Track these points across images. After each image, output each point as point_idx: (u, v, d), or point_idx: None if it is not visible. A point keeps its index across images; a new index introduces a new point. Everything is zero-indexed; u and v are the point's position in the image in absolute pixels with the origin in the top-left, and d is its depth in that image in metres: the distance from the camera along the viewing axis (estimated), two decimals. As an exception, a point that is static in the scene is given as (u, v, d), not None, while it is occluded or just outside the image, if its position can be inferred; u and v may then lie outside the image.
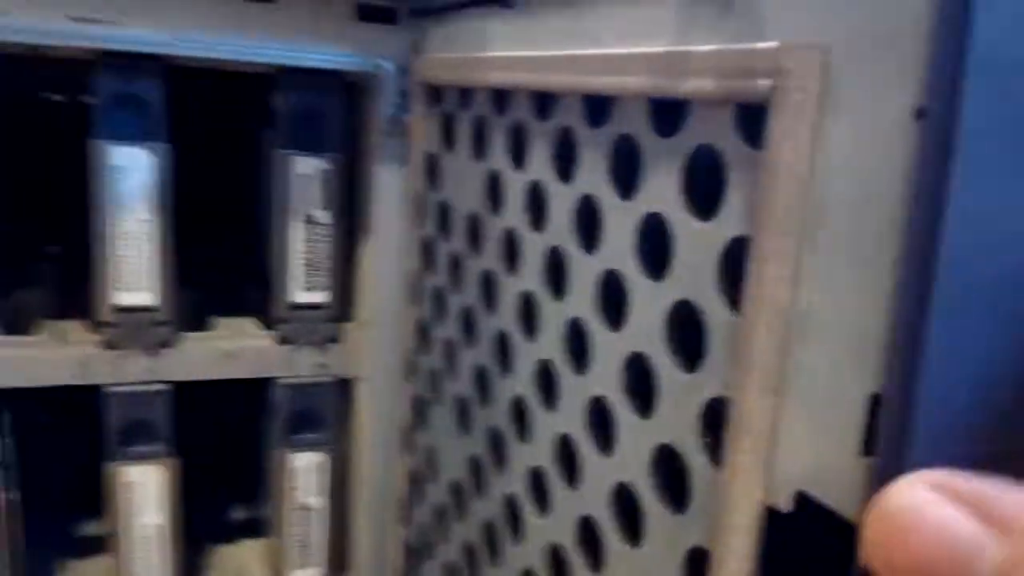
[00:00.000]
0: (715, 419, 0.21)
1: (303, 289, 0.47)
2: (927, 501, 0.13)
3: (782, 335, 0.18)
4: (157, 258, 0.44)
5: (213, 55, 0.42)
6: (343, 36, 0.44)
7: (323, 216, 0.46)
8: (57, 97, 0.64)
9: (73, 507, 0.56)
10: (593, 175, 0.26)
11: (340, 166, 0.46)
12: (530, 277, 0.31)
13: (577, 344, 0.27)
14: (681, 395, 0.22)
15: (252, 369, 0.47)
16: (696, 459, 0.22)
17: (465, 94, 0.37)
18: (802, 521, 0.18)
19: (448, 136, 0.39)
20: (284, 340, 0.47)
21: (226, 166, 0.58)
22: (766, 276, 0.18)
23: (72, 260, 0.61)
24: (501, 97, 0.33)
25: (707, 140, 0.21)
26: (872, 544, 0.14)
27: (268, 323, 0.48)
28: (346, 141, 0.47)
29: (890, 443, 0.15)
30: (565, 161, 0.28)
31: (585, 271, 0.27)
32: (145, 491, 0.46)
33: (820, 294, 0.17)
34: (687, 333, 0.22)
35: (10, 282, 0.49)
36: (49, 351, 0.44)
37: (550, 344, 0.29)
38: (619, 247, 0.25)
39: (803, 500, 0.18)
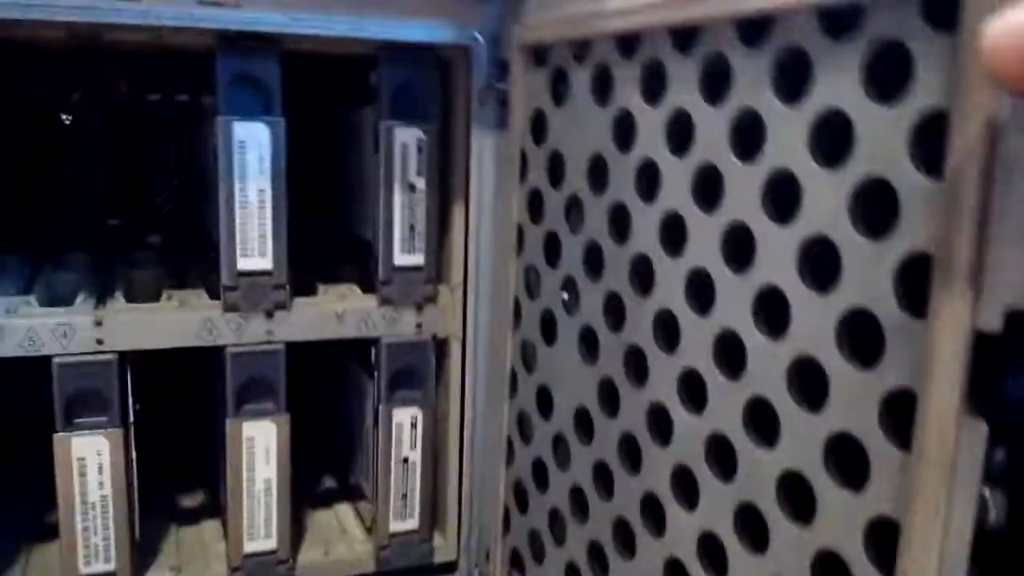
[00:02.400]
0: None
1: (403, 252, 0.49)
2: None
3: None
4: (272, 225, 0.46)
5: (324, 33, 0.45)
6: (440, 11, 0.47)
7: (421, 182, 0.49)
8: (154, 96, 0.66)
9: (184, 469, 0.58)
10: (752, 91, 0.29)
11: (436, 135, 0.48)
12: (673, 199, 0.33)
13: (736, 247, 0.30)
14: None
15: (358, 329, 0.49)
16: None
17: (580, 47, 0.39)
18: (1013, 340, 0.21)
19: (557, 91, 0.42)
20: (385, 301, 0.49)
21: (325, 143, 0.61)
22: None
23: (170, 248, 0.63)
24: (626, 41, 0.36)
25: (888, 33, 0.24)
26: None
27: (369, 286, 0.50)
28: (442, 111, 0.49)
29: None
30: (713, 87, 0.31)
31: (745, 179, 0.29)
32: (262, 446, 0.48)
33: None
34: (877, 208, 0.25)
35: (125, 266, 0.51)
36: (176, 315, 0.46)
37: (704, 253, 0.31)
38: (788, 148, 0.27)
39: (1014, 317, 0.21)
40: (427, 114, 0.48)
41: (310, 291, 0.50)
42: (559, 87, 0.42)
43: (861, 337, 0.26)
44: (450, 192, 0.50)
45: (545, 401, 0.44)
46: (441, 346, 0.51)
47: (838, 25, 0.26)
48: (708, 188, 0.31)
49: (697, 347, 0.32)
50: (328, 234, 0.60)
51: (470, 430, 0.51)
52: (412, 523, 0.51)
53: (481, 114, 0.48)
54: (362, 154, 0.51)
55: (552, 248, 0.43)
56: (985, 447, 0.22)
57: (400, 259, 0.49)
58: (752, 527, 0.30)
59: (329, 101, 0.58)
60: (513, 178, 0.46)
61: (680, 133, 0.33)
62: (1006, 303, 0.21)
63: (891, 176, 0.24)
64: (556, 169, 0.42)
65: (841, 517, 0.26)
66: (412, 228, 0.49)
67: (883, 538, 0.25)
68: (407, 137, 0.48)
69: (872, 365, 0.25)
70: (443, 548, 0.52)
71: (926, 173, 0.23)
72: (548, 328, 0.43)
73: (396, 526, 0.51)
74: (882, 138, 0.24)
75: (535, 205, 0.44)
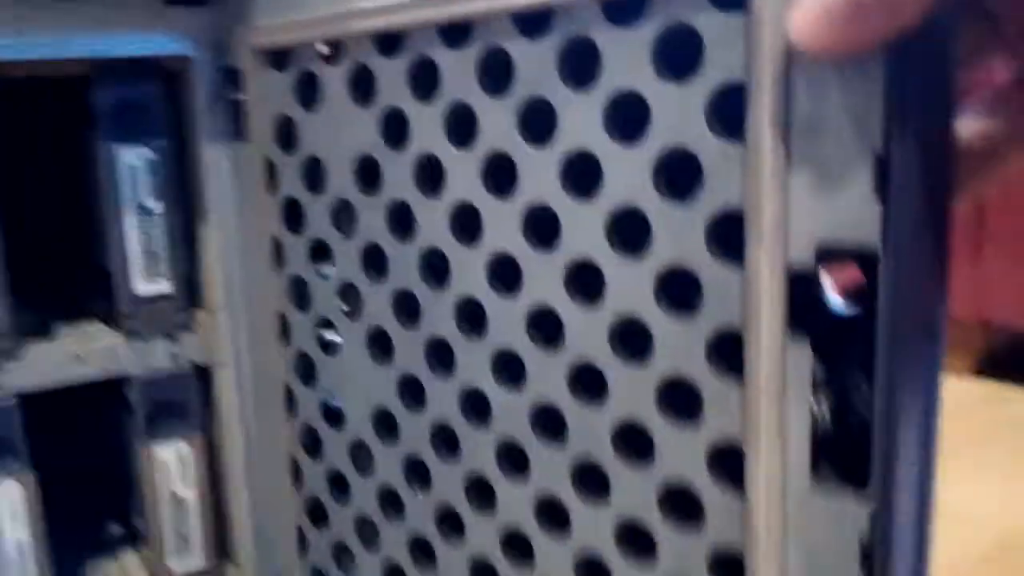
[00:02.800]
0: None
1: (145, 280, 0.45)
2: None
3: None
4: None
5: (21, 57, 0.40)
6: (152, 22, 0.43)
7: (156, 205, 0.45)
8: None
9: None
10: (539, 80, 0.30)
11: (167, 153, 0.45)
12: (462, 190, 0.34)
13: (539, 228, 0.32)
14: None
15: (104, 368, 0.44)
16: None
17: (331, 47, 0.38)
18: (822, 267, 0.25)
19: (306, 95, 0.41)
20: (132, 334, 0.45)
21: (54, 173, 0.53)
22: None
23: None
24: (387, 40, 0.36)
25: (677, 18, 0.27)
26: None
27: (114, 320, 0.45)
28: (173, 127, 0.46)
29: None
30: (495, 79, 0.32)
31: (540, 162, 0.31)
32: (6, 508, 0.42)
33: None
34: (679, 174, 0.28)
35: None
36: None
37: (504, 237, 0.33)
38: (583, 130, 0.29)
39: (824, 252, 0.24)
40: (153, 131, 0.44)
41: (49, 333, 0.45)
42: (308, 91, 0.41)
43: (680, 294, 0.29)
44: (196, 212, 0.47)
45: (333, 411, 0.43)
46: (205, 374, 0.48)
47: (623, 13, 0.28)
48: (501, 176, 0.33)
49: (509, 326, 0.33)
50: (75, 269, 0.53)
51: (248, 456, 0.48)
52: (196, 561, 0.47)
53: (213, 126, 0.45)
54: (96, 180, 0.46)
55: (320, 256, 0.42)
56: (810, 365, 0.25)
57: (143, 288, 0.45)
58: (592, 482, 0.32)
59: (58, 126, 0.51)
60: (260, 190, 0.44)
61: (462, 125, 0.34)
62: (814, 241, 0.25)
63: (692, 146, 0.27)
64: (315, 175, 0.41)
65: (683, 451, 0.29)
66: (153, 254, 0.45)
67: (728, 464, 0.28)
68: (133, 158, 0.44)
69: (693, 313, 0.28)
70: (236, 583, 0.49)
71: (727, 139, 0.26)
72: (324, 335, 0.42)
73: (178, 567, 0.47)
74: (679, 113, 0.27)
75: (293, 215, 0.43)
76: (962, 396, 1.06)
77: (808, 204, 0.24)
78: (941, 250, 0.25)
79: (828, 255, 0.25)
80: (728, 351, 0.28)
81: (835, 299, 0.27)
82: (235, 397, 0.47)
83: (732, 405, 0.27)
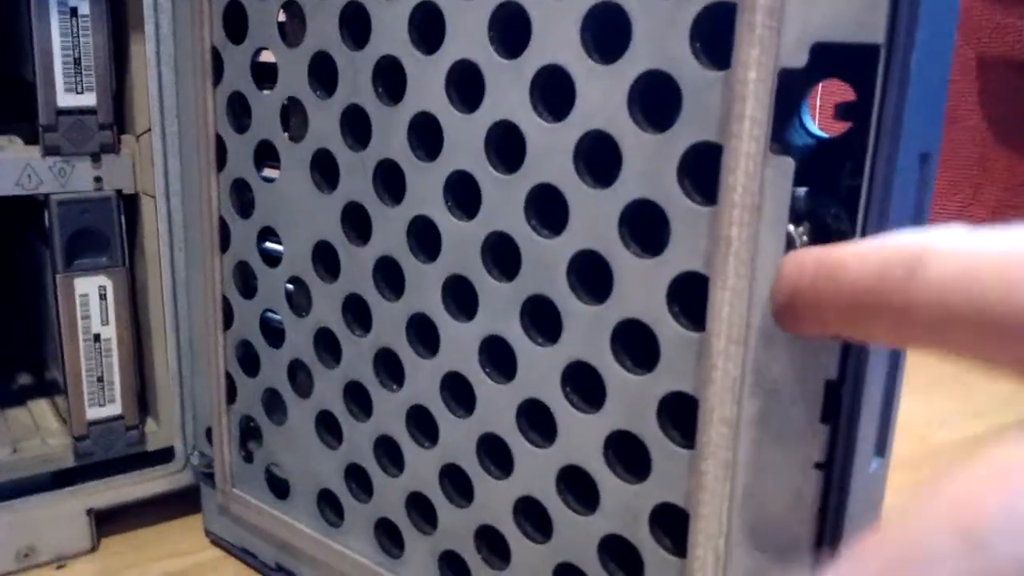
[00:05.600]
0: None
1: (68, 91, 0.43)
2: None
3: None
4: None
5: None
6: None
7: (83, 5, 0.42)
8: None
9: None
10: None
11: (97, -56, 0.42)
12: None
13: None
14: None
15: (19, 184, 0.42)
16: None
17: None
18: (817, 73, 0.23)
19: None
20: (51, 151, 0.43)
21: None
22: None
23: None
24: None
25: None
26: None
27: (34, 137, 0.43)
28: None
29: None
30: None
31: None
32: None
33: None
34: None
35: None
36: None
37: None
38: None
39: (819, 49, 0.23)
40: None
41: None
42: None
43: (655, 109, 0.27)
44: (125, 19, 0.44)
45: (269, 252, 0.41)
46: (129, 203, 0.45)
47: None
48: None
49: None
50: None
51: (175, 297, 0.46)
52: (114, 408, 0.46)
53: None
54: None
55: (264, 74, 0.39)
56: (790, 183, 0.24)
57: (65, 100, 0.42)
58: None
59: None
60: (201, -3, 0.41)
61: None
62: (810, 38, 0.23)
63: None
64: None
65: (642, 284, 0.27)
66: (77, 62, 0.42)
67: (690, 303, 0.27)
68: (58, -53, 0.41)
69: (666, 128, 0.26)
70: (157, 433, 0.48)
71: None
72: (264, 161, 0.40)
73: (94, 413, 0.45)
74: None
75: (235, 22, 0.40)
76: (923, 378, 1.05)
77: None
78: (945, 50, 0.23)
79: (823, 54, 0.23)
80: (700, 174, 0.26)
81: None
82: (163, 229, 0.45)
83: (701, 231, 0.26)
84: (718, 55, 0.25)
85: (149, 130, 0.44)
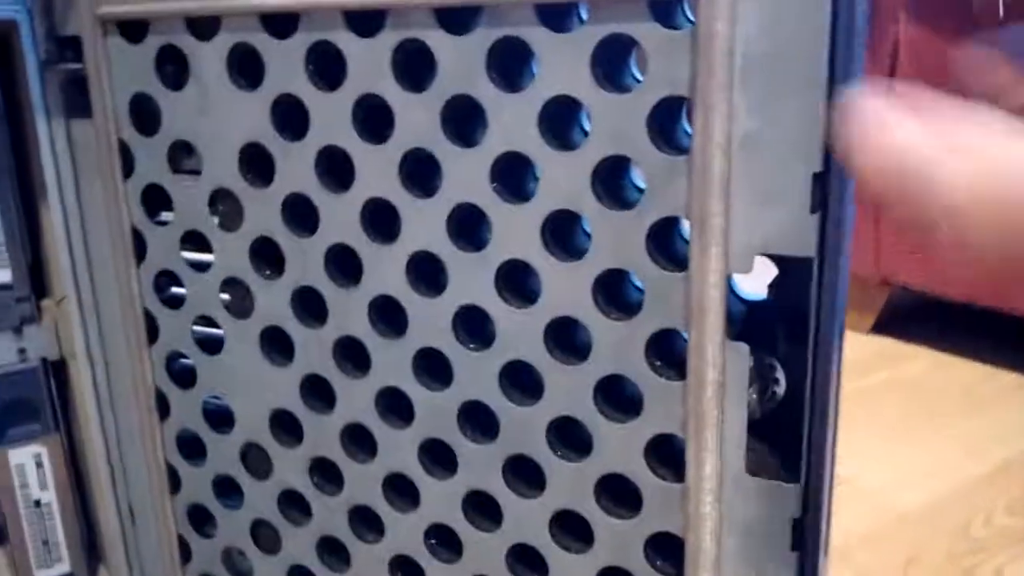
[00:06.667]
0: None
1: (-19, 274, 0.43)
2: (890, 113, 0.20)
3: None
4: None
5: None
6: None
7: (-14, 199, 0.42)
8: None
9: None
10: (466, 80, 0.32)
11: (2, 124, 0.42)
12: (378, 184, 0.35)
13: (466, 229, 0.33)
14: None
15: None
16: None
17: (203, 23, 0.37)
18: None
19: (168, 72, 0.39)
20: (-29, 335, 0.43)
21: None
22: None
23: None
24: (278, 21, 0.35)
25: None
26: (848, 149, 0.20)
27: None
28: (5, 96, 0.43)
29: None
30: (410, 72, 0.33)
31: (469, 163, 0.33)
32: None
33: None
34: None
35: None
36: None
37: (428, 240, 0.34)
38: (516, 131, 0.31)
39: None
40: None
41: None
42: (172, 67, 0.39)
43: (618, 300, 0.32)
44: (36, 192, 0.44)
45: (218, 415, 0.43)
46: (58, 369, 0.46)
47: (560, 18, 0.30)
48: (424, 170, 0.34)
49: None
50: None
51: (109, 459, 0.47)
52: (62, 567, 0.47)
53: (47, 100, 0.43)
54: None
55: (197, 243, 0.41)
56: (748, 363, 0.29)
57: (-21, 284, 0.43)
58: (527, 475, 0.35)
59: None
60: (110, 173, 0.42)
61: (376, 119, 0.34)
62: (754, 250, 0.28)
63: (632, 154, 0.29)
64: (181, 161, 0.40)
65: (621, 444, 0.32)
66: (-14, 245, 0.43)
67: (668, 458, 0.32)
68: (-44, 136, 0.41)
69: (633, 315, 0.31)
70: (109, 591, 0.48)
71: (668, 150, 0.29)
72: (206, 337, 0.42)
73: (43, 574, 0.46)
74: (620, 122, 0.29)
75: (153, 203, 0.42)
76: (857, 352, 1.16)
77: (748, 215, 0.28)
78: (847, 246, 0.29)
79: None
80: (666, 350, 0.31)
81: (744, 290, 0.31)
82: (90, 392, 0.46)
83: (672, 400, 0.31)
84: (673, 255, 0.30)
85: (67, 297, 0.45)
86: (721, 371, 0.29)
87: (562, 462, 0.34)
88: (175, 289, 0.43)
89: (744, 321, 0.30)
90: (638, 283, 0.31)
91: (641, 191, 0.30)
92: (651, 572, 0.33)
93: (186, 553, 0.46)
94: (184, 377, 0.43)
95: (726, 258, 0.28)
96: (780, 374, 0.31)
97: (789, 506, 0.30)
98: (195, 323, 0.42)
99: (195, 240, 0.41)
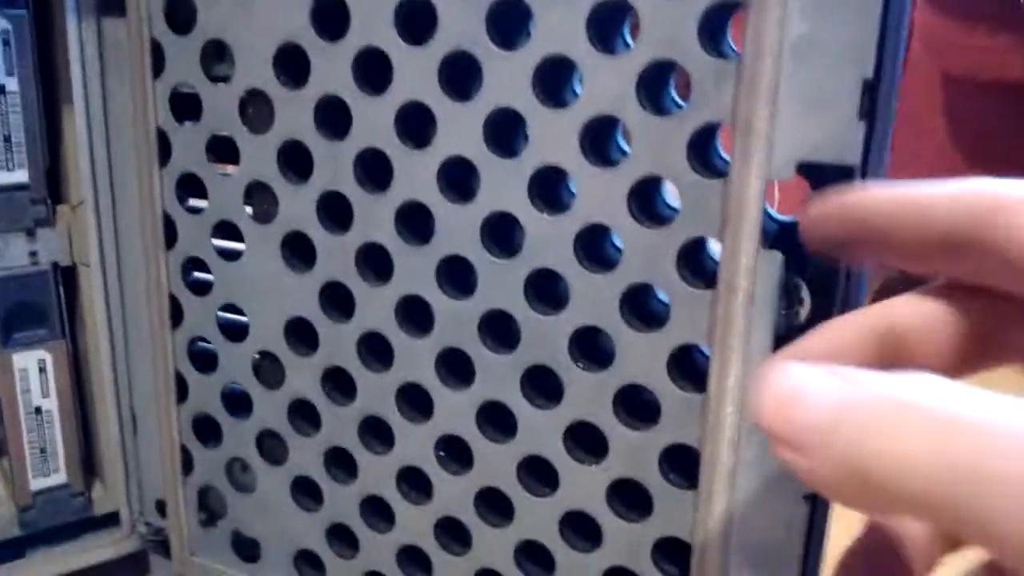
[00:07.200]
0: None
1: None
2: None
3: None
4: None
5: None
6: None
7: (11, 82, 0.42)
8: None
9: None
10: (514, -21, 0.32)
11: (26, 24, 0.42)
12: (415, 87, 0.35)
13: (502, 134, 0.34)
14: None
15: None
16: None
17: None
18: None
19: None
20: (-16, 229, 0.43)
21: None
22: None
23: None
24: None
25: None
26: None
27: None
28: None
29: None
30: None
31: (510, 66, 0.33)
32: None
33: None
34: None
35: None
36: None
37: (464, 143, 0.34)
38: (562, 36, 0.32)
39: (805, 168, 0.28)
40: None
41: None
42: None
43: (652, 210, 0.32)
44: (59, 93, 0.44)
45: (231, 323, 0.43)
46: (68, 275, 0.46)
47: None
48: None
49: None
50: None
51: (115, 368, 0.47)
52: (59, 477, 0.46)
53: (79, -3, 0.43)
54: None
55: (221, 152, 0.41)
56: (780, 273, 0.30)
57: (-3, 178, 0.42)
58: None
59: None
60: (140, 74, 0.42)
61: (418, 19, 0.34)
62: (797, 158, 0.28)
63: (680, 58, 0.30)
64: (212, 67, 0.40)
65: (644, 354, 0.32)
66: (7, 139, 0.42)
67: (689, 369, 0.32)
68: (-15, 28, 0.41)
69: (666, 223, 0.31)
70: (103, 499, 0.48)
71: (716, 55, 0.29)
72: (225, 247, 0.42)
73: (39, 484, 0.46)
74: (670, 26, 0.30)
75: (184, 105, 0.42)
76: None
77: (794, 121, 0.28)
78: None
79: (808, 172, 0.29)
80: (695, 261, 0.32)
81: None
82: (100, 298, 0.46)
83: (701, 311, 0.31)
84: (704, 160, 0.30)
85: (84, 202, 0.45)
86: (752, 280, 0.30)
87: (583, 372, 0.34)
88: (195, 202, 0.43)
89: (776, 241, 0.31)
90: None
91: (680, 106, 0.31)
92: (663, 484, 0.33)
93: (188, 465, 0.46)
94: (200, 287, 0.43)
95: (768, 164, 0.29)
96: (806, 294, 0.31)
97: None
98: (216, 229, 0.42)
99: (222, 146, 0.41)
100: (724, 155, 0.31)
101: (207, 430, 0.45)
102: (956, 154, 0.98)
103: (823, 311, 0.30)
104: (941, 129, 0.99)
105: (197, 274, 0.44)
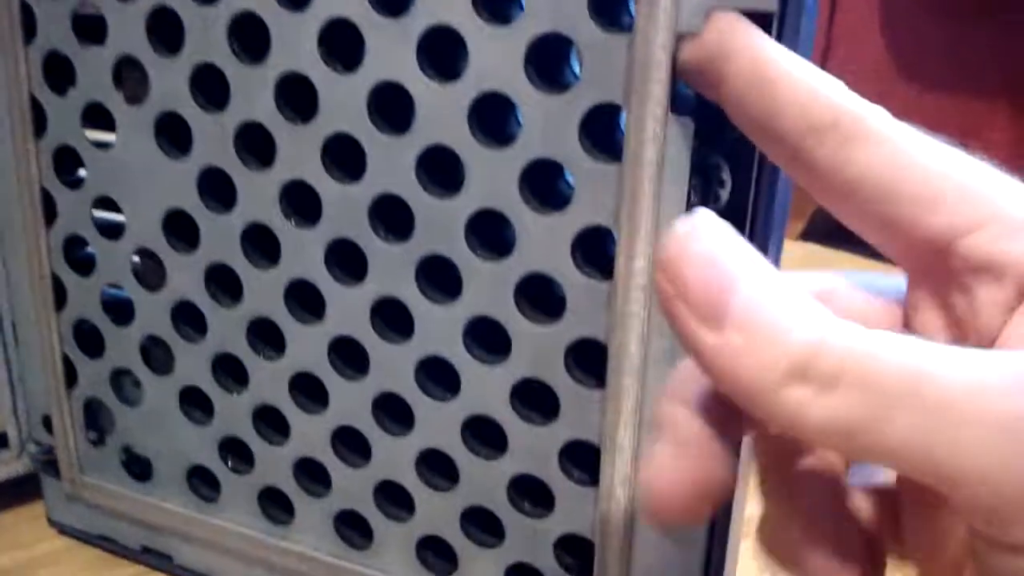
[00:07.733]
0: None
1: None
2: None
3: None
4: None
5: None
6: None
7: None
8: None
9: None
10: None
11: None
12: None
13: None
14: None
15: None
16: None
17: None
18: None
19: None
20: None
21: None
22: None
23: None
24: None
25: None
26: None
27: None
28: None
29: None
30: None
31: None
32: None
33: None
34: None
35: None
36: None
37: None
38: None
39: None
40: None
41: None
42: None
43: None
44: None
45: (106, 225, 0.39)
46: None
47: None
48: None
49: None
50: None
51: (-7, 272, 0.43)
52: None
53: None
54: None
55: (87, 29, 0.37)
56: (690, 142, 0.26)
57: None
58: (442, 280, 0.32)
59: None
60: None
61: None
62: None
63: None
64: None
65: (545, 240, 0.29)
66: None
67: (596, 256, 0.29)
68: None
69: (568, 89, 0.28)
70: (-12, 421, 0.45)
71: None
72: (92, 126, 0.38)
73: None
74: None
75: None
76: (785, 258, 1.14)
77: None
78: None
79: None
80: (602, 131, 0.28)
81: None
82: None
83: (605, 187, 0.28)
84: (611, 16, 0.27)
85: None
86: (660, 149, 0.26)
87: (481, 263, 0.31)
88: (63, 86, 0.39)
89: (691, 111, 0.27)
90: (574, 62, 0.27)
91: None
92: (569, 383, 0.30)
93: (72, 377, 0.42)
94: (73, 181, 0.39)
95: (676, 12, 0.25)
96: (726, 174, 0.28)
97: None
98: (87, 115, 0.38)
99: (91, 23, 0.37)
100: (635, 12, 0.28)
101: (89, 338, 0.41)
102: (892, 67, 0.97)
103: (743, 191, 0.27)
104: (879, 43, 0.98)
105: (72, 171, 0.40)
